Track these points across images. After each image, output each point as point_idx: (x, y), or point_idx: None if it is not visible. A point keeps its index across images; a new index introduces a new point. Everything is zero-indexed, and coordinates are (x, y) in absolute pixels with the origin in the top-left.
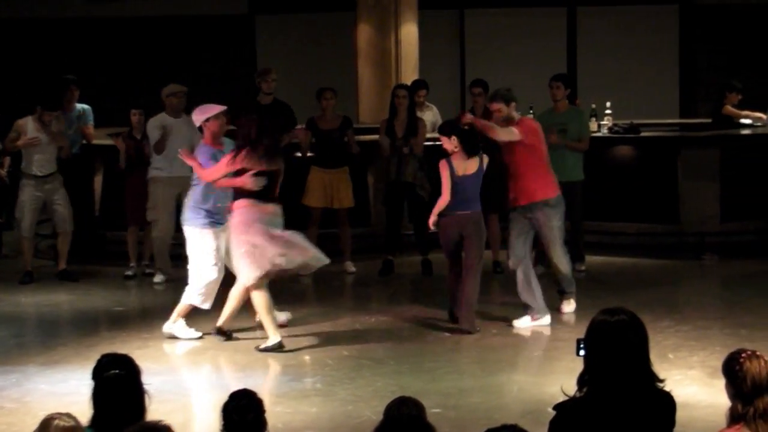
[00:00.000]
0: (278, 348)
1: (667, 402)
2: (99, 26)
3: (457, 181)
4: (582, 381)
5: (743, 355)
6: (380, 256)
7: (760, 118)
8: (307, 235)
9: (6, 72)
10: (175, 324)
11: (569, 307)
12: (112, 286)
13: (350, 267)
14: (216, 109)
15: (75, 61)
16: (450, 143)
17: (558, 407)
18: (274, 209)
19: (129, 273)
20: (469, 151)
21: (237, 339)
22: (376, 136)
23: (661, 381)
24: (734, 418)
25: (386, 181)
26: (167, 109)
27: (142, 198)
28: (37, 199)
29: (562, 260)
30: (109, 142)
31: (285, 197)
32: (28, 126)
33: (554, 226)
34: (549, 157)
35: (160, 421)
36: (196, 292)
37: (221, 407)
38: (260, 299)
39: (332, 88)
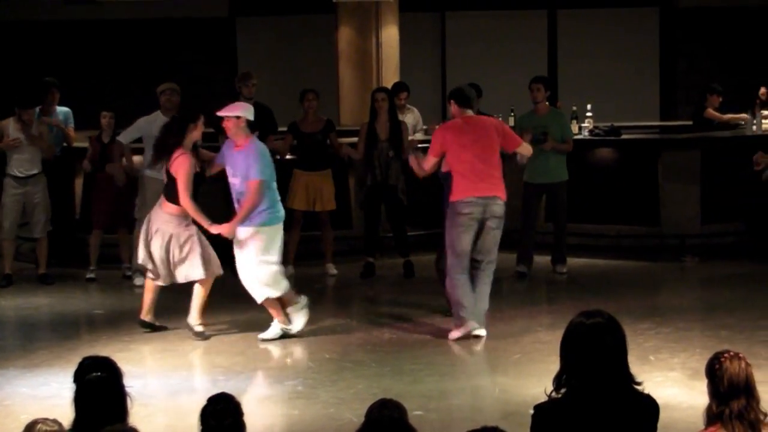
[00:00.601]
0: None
1: (649, 406)
2: (78, 29)
3: None
4: (559, 382)
5: (725, 355)
6: (361, 259)
7: (742, 119)
8: (289, 237)
9: None
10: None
11: (455, 332)
12: (92, 289)
13: (332, 269)
14: (229, 110)
15: (53, 64)
16: None
17: (537, 408)
18: (173, 211)
19: (91, 276)
20: None
21: (218, 341)
22: (357, 139)
23: (638, 383)
24: (710, 418)
25: (366, 184)
26: (161, 108)
27: (107, 202)
28: (18, 200)
29: (447, 274)
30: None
31: None
32: (10, 127)
33: (445, 227)
34: (474, 160)
35: (127, 424)
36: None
37: (199, 411)
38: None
39: (314, 90)
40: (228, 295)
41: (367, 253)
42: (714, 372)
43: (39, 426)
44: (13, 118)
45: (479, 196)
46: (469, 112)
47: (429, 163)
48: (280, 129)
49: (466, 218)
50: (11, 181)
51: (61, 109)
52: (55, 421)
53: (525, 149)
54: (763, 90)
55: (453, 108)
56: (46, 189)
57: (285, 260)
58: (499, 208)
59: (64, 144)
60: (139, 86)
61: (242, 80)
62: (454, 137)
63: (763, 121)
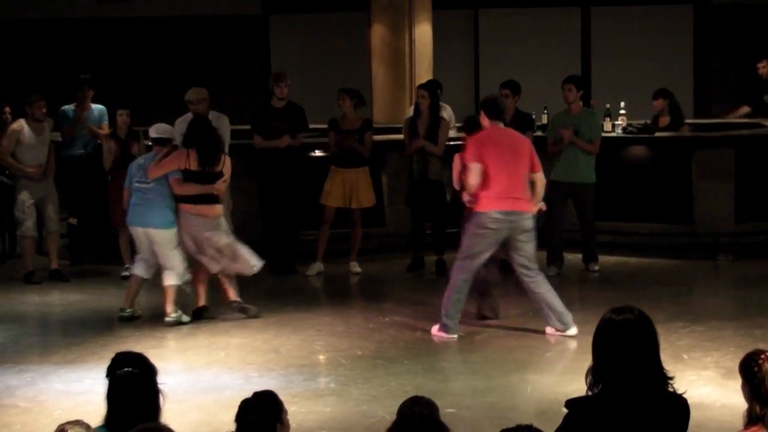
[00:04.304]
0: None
1: (681, 405)
2: (111, 26)
3: None
4: (594, 379)
5: (762, 356)
6: (394, 256)
7: (747, 113)
8: (319, 234)
9: (15, 72)
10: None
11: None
12: (125, 285)
13: (355, 267)
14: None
15: (86, 62)
16: None
17: (570, 404)
18: None
19: (126, 274)
20: None
21: (252, 338)
22: (390, 136)
23: (671, 378)
24: (752, 419)
25: (410, 180)
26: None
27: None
28: (33, 198)
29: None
30: None
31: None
32: (24, 130)
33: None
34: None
35: (159, 421)
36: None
37: (238, 406)
38: None
39: (345, 89)
40: (261, 294)
41: (414, 249)
42: (753, 373)
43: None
44: (25, 120)
45: (507, 210)
46: (500, 125)
47: (474, 178)
48: (319, 126)
49: (490, 232)
50: (25, 180)
51: (96, 107)
52: (81, 423)
53: (540, 180)
54: None
55: (483, 119)
56: (55, 188)
57: (314, 257)
58: (527, 222)
59: (98, 141)
60: (172, 83)
61: (275, 81)
62: (491, 149)
63: None
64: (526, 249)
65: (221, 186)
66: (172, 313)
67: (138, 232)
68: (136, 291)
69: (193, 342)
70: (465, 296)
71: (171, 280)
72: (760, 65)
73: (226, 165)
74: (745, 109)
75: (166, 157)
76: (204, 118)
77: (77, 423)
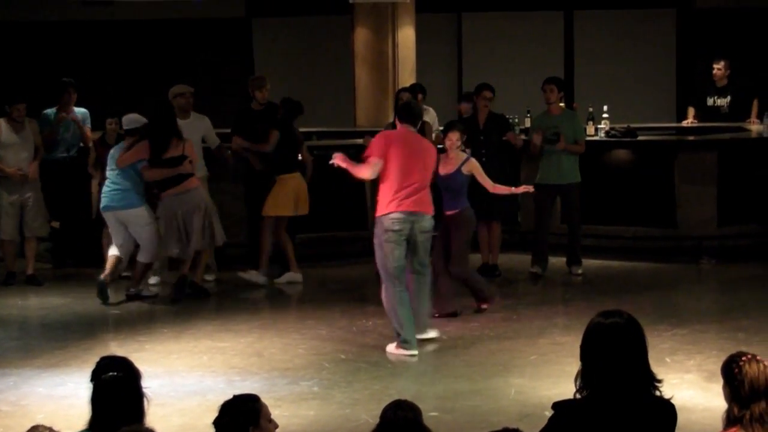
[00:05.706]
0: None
1: (668, 411)
2: (95, 30)
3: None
4: (582, 383)
5: (743, 358)
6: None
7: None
8: (283, 245)
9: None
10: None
11: (392, 347)
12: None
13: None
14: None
15: (70, 65)
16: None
17: (557, 406)
18: None
19: None
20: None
21: (235, 342)
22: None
23: (659, 381)
24: (730, 421)
25: None
26: (177, 110)
27: None
28: (14, 200)
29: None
30: None
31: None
32: (2, 127)
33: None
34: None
35: (144, 424)
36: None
37: (218, 408)
38: None
39: (283, 100)
40: (247, 297)
41: None
42: (733, 375)
43: None
44: (5, 118)
45: (410, 211)
46: (411, 129)
47: (370, 173)
48: (302, 129)
49: (394, 234)
50: (5, 182)
51: (79, 110)
52: (51, 430)
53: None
54: None
55: (396, 123)
56: (40, 190)
57: (288, 267)
58: (428, 223)
59: (81, 144)
60: (156, 87)
61: (258, 86)
62: (397, 148)
63: None
64: (426, 247)
65: (188, 166)
66: (135, 287)
67: (111, 217)
68: (115, 266)
69: (176, 346)
70: (407, 307)
71: (143, 257)
72: (715, 66)
73: (187, 147)
74: (691, 111)
75: (132, 147)
76: (167, 108)
77: (49, 429)
